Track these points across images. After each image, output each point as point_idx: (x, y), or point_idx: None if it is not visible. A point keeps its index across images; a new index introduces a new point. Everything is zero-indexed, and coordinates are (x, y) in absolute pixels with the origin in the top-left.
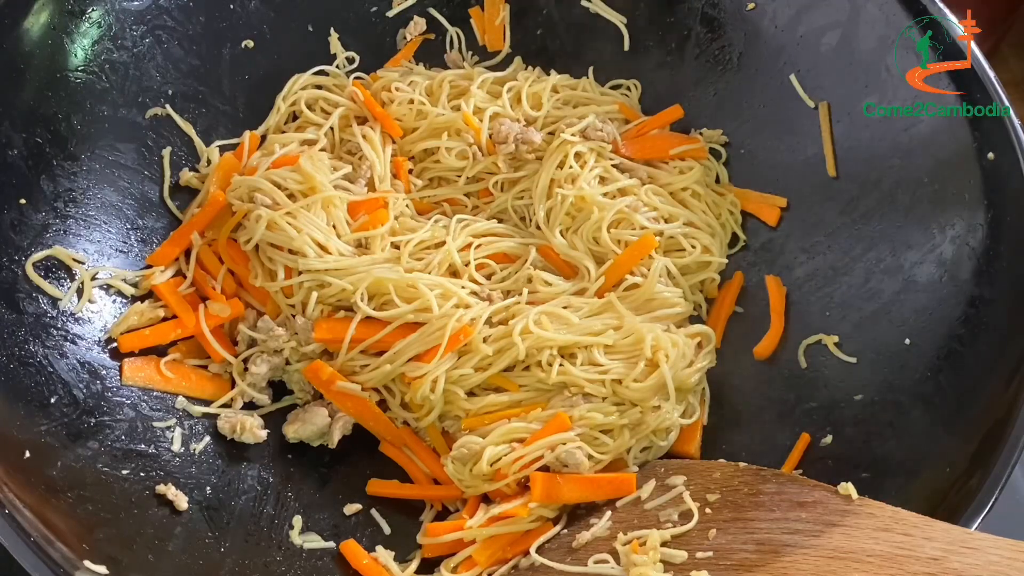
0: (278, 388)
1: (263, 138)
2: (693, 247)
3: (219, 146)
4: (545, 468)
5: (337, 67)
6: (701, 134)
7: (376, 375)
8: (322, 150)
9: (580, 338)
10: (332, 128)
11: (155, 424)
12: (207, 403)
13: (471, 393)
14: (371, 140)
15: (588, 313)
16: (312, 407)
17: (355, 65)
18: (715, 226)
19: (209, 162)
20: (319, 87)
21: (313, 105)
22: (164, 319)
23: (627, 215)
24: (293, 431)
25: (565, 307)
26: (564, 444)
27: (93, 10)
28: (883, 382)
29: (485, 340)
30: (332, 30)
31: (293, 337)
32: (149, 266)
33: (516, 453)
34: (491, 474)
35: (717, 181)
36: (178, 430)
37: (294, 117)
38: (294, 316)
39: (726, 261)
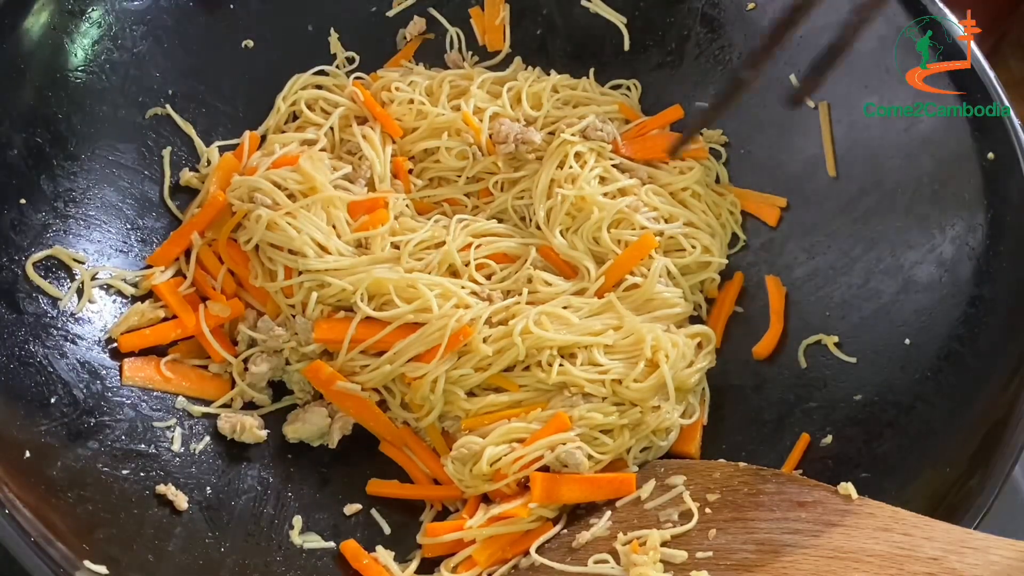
0: (278, 388)
1: (263, 138)
2: (694, 247)
3: (219, 146)
4: (545, 468)
5: (337, 67)
6: (701, 134)
7: (376, 375)
8: (322, 150)
9: (580, 338)
10: (332, 128)
11: (155, 424)
12: (207, 403)
13: (471, 393)
14: (371, 140)
15: (588, 313)
16: (312, 407)
17: (355, 65)
18: (715, 226)
19: (209, 162)
20: (319, 87)
21: (313, 105)
22: (164, 319)
23: (627, 215)
24: (293, 431)
25: (565, 307)
26: (564, 444)
27: (93, 10)
28: (883, 382)
29: (485, 340)
30: (332, 30)
31: (293, 337)
32: (149, 266)
33: (516, 453)
34: (491, 474)
35: (717, 181)
36: (178, 430)
37: (294, 117)
38: (294, 316)
39: (726, 261)
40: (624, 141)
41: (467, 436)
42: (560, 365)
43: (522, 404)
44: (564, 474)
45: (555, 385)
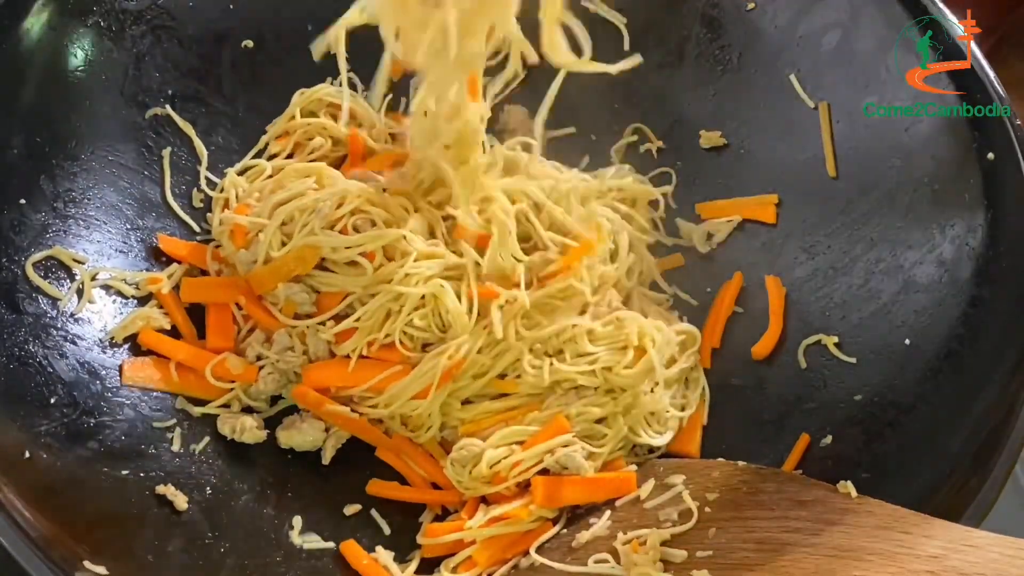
0: None
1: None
2: None
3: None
4: (544, 471)
5: (338, 82)
6: (700, 135)
7: (373, 414)
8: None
9: (569, 321)
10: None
11: (155, 424)
12: (206, 403)
13: (467, 401)
14: None
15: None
16: (309, 418)
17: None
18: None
19: (214, 184)
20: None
21: (320, 112)
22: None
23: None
24: (286, 437)
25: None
26: (564, 447)
27: (93, 10)
28: (883, 382)
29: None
30: None
31: (302, 356)
32: (149, 267)
33: (515, 457)
34: (490, 476)
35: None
36: (178, 430)
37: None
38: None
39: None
40: None
41: (467, 439)
42: (551, 364)
43: (517, 408)
44: (564, 476)
45: (547, 386)
